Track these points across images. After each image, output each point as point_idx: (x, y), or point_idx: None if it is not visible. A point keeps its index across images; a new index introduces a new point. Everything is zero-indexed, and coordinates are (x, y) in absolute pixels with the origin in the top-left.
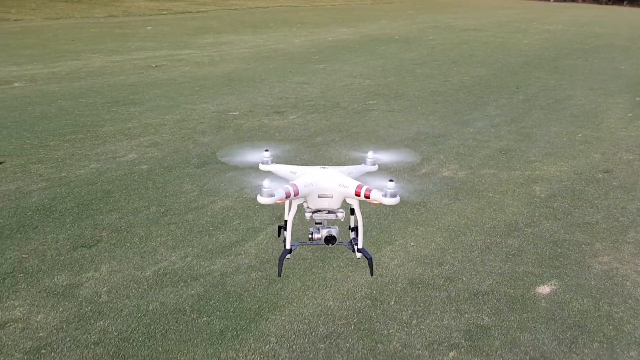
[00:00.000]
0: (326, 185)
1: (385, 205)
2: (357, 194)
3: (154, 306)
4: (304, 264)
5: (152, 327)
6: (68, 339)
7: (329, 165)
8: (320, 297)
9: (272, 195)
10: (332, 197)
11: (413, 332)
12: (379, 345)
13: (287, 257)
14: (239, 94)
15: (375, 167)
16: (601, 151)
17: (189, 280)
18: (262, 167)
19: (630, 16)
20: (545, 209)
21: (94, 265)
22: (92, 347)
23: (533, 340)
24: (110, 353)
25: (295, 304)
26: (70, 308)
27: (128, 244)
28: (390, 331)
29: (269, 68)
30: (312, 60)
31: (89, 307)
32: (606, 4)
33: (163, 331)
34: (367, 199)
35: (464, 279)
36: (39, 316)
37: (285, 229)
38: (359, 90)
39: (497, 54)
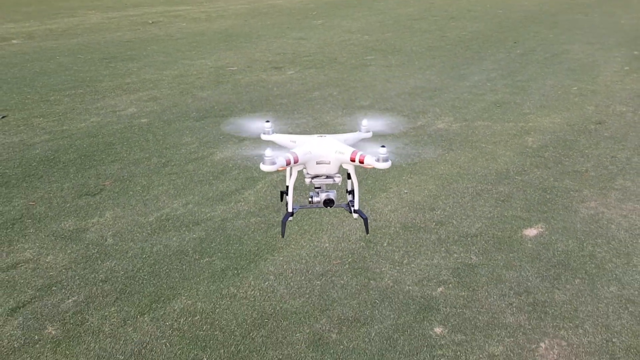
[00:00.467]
0: (324, 153)
1: (378, 169)
2: (352, 160)
3: (157, 248)
4: (301, 211)
5: (156, 267)
6: (77, 277)
7: (326, 134)
8: (316, 240)
9: (274, 163)
10: (329, 163)
11: (404, 270)
12: (371, 282)
13: (289, 219)
14: (237, 49)
15: (370, 134)
16: (595, 103)
17: (190, 225)
18: (263, 137)
19: None
20: (536, 158)
21: (98, 212)
22: (100, 284)
23: (518, 277)
24: (118, 290)
25: (293, 246)
26: (78, 250)
27: (131, 192)
28: (383, 269)
29: (266, 24)
30: (310, 16)
31: (96, 249)
32: None
33: (167, 270)
34: (361, 164)
35: (454, 222)
36: (49, 257)
37: (287, 194)
38: (356, 45)
39: (496, 9)
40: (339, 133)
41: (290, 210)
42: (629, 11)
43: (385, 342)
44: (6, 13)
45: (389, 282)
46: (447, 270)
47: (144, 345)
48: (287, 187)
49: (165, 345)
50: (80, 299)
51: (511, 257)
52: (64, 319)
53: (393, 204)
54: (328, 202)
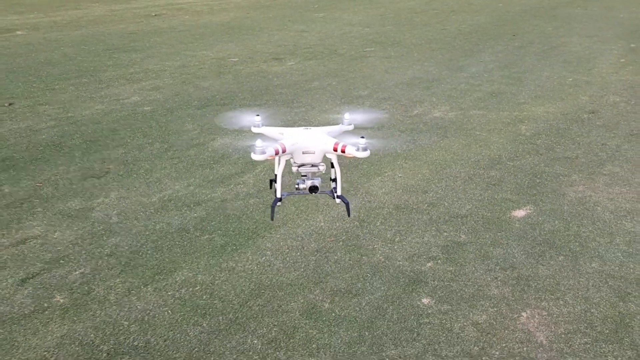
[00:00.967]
0: (309, 143)
1: (358, 158)
2: (335, 150)
3: (160, 226)
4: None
5: (159, 242)
6: (84, 252)
7: (312, 126)
8: (312, 219)
9: (263, 153)
10: (314, 153)
11: (395, 247)
12: (364, 257)
13: (278, 204)
14: (239, 41)
15: (351, 127)
16: (589, 94)
17: (192, 205)
18: (254, 129)
19: None
20: (528, 145)
21: (103, 193)
22: (106, 258)
23: (504, 254)
24: (123, 263)
25: (290, 225)
26: (84, 227)
27: (134, 175)
28: (375, 246)
29: (268, 16)
30: (312, 9)
31: (101, 227)
32: None
33: (169, 246)
34: (343, 154)
35: (446, 204)
36: (56, 234)
37: (275, 181)
38: (357, 38)
39: (496, 2)
40: (325, 125)
41: (278, 196)
42: (628, 5)
43: (375, 311)
44: (10, 5)
45: (380, 257)
46: (436, 248)
47: (147, 313)
48: (276, 175)
49: (167, 312)
50: (87, 271)
51: (499, 236)
52: (72, 289)
53: (387, 187)
54: (313, 189)
